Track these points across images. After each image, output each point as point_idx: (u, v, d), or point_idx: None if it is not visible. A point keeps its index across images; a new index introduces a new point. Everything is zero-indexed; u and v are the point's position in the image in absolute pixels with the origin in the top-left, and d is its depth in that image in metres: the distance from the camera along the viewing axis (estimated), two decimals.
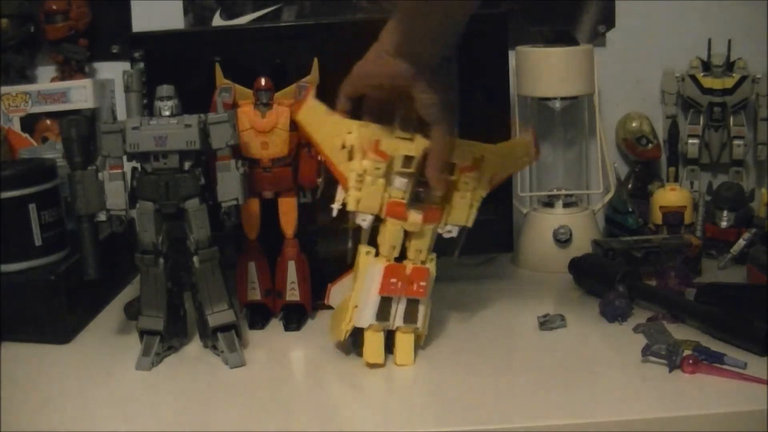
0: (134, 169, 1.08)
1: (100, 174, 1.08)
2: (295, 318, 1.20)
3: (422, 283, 1.06)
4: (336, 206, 1.07)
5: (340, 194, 1.07)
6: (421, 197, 1.08)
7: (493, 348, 1.11)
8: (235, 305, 1.12)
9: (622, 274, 1.22)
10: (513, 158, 1.13)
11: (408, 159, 1.05)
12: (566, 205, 1.43)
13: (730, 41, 1.51)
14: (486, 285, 1.34)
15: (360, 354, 1.06)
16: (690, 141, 1.53)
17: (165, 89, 1.08)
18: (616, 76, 1.54)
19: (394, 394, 0.99)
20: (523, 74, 1.40)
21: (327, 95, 1.21)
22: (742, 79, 1.49)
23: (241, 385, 1.04)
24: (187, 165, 1.06)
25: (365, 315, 1.06)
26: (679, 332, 1.09)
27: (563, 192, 1.45)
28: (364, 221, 1.07)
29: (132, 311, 1.21)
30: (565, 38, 1.47)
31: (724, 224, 1.40)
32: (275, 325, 1.21)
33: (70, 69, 1.50)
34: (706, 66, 1.52)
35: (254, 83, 1.16)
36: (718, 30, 1.52)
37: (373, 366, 1.04)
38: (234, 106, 1.15)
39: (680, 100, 1.55)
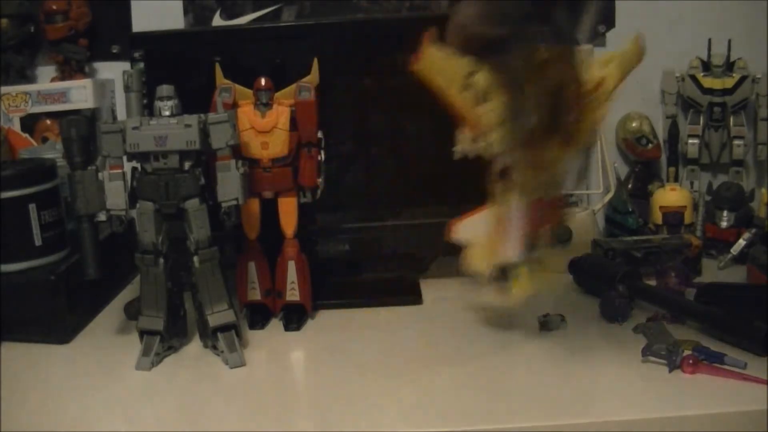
0: (134, 169, 1.08)
1: (100, 174, 1.08)
2: (295, 318, 1.20)
3: (557, 212, 1.05)
4: (461, 148, 1.05)
5: (465, 137, 1.05)
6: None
7: (493, 348, 1.11)
8: (235, 305, 1.12)
9: (622, 274, 1.22)
10: (626, 65, 1.09)
11: None
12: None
13: (730, 41, 1.51)
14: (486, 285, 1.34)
15: (500, 289, 1.05)
16: (690, 141, 1.53)
17: (165, 89, 1.08)
18: None
19: (394, 394, 0.99)
20: None
21: (327, 95, 1.21)
22: (742, 79, 1.49)
23: (241, 385, 1.04)
24: (187, 165, 1.06)
25: (514, 249, 1.03)
26: (679, 332, 1.09)
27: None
28: (507, 160, 1.02)
29: (132, 311, 1.21)
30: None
31: (724, 224, 1.40)
32: (275, 325, 1.21)
33: (70, 69, 1.50)
34: (706, 66, 1.52)
35: (254, 83, 1.16)
36: (718, 30, 1.52)
37: (519, 299, 1.05)
38: (234, 106, 1.15)
39: (680, 100, 1.55)
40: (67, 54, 1.49)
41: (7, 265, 1.18)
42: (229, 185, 1.07)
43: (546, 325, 1.15)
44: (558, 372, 1.03)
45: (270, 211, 1.19)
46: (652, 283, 1.24)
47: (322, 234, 1.30)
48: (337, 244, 1.30)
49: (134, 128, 1.05)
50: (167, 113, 1.07)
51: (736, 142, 1.51)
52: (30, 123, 1.44)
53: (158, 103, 1.08)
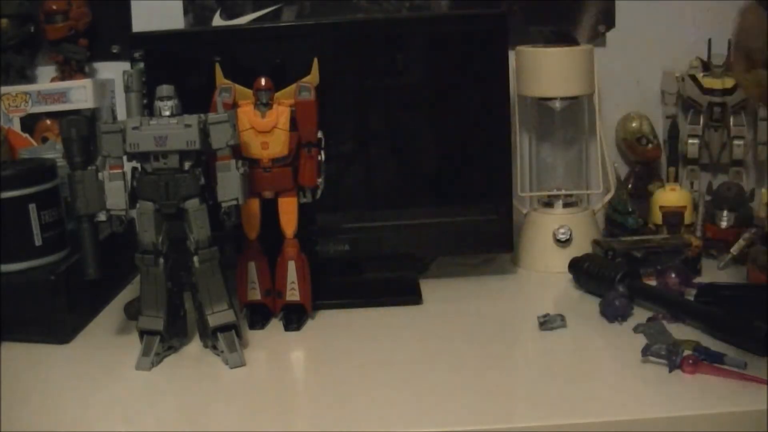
0: (134, 169, 1.08)
1: (100, 174, 1.08)
2: (295, 318, 1.20)
3: None
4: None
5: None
6: None
7: (493, 348, 1.11)
8: (235, 305, 1.12)
9: (622, 274, 1.22)
10: None
11: None
12: (566, 205, 1.43)
13: (730, 41, 1.51)
14: (486, 285, 1.34)
15: None
16: (690, 141, 1.53)
17: (165, 89, 1.08)
18: (616, 76, 1.54)
19: (394, 394, 0.99)
20: (523, 74, 1.40)
21: (327, 95, 1.21)
22: None
23: (241, 385, 1.04)
24: (187, 165, 1.06)
25: None
26: (679, 332, 1.09)
27: (563, 192, 1.45)
28: None
29: (132, 311, 1.21)
30: (565, 38, 1.47)
31: (724, 224, 1.40)
32: (275, 325, 1.21)
33: (70, 69, 1.50)
34: (706, 66, 1.52)
35: (254, 83, 1.16)
36: (718, 30, 1.52)
37: None
38: (234, 106, 1.15)
39: (680, 100, 1.55)
40: (67, 54, 1.49)
41: (7, 265, 1.18)
42: (229, 185, 1.07)
43: (546, 325, 1.15)
44: (558, 372, 1.03)
45: (270, 211, 1.19)
46: (652, 283, 1.24)
47: (322, 234, 1.30)
48: (337, 244, 1.30)
49: (134, 128, 1.05)
50: (167, 113, 1.07)
51: (736, 142, 1.51)
52: (30, 123, 1.44)
53: (158, 103, 1.08)
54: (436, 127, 1.36)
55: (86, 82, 1.43)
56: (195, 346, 1.14)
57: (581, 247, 1.36)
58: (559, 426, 0.91)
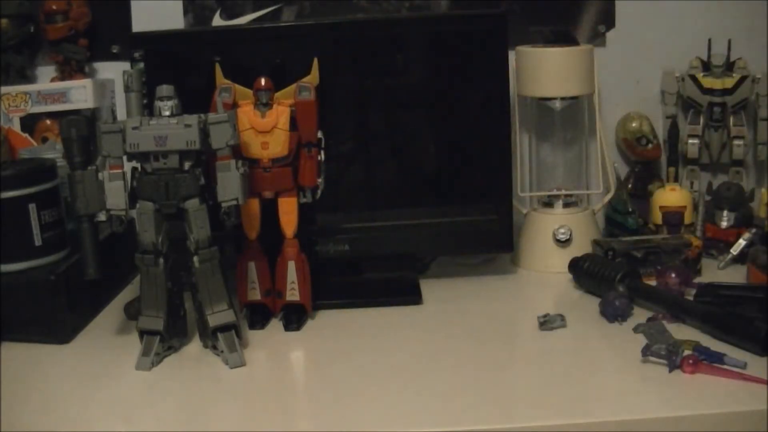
0: (134, 169, 1.08)
1: (100, 174, 1.08)
2: (295, 318, 1.20)
3: None
4: None
5: None
6: None
7: (493, 348, 1.11)
8: (235, 305, 1.12)
9: (622, 274, 1.22)
10: None
11: None
12: (566, 205, 1.43)
13: (730, 41, 1.51)
14: (486, 285, 1.34)
15: None
16: (690, 141, 1.53)
17: (165, 89, 1.08)
18: (616, 76, 1.54)
19: (394, 394, 0.99)
20: (523, 74, 1.40)
21: (327, 95, 1.21)
22: (742, 79, 1.49)
23: (241, 385, 1.04)
24: (187, 165, 1.06)
25: None
26: (679, 332, 1.09)
27: (563, 192, 1.45)
28: None
29: (132, 311, 1.21)
30: (565, 38, 1.47)
31: (724, 224, 1.40)
32: (275, 325, 1.21)
33: (70, 69, 1.50)
34: (706, 66, 1.52)
35: (254, 83, 1.16)
36: (718, 30, 1.52)
37: None
38: (234, 106, 1.15)
39: (680, 100, 1.55)
40: (67, 54, 1.49)
41: (7, 265, 1.18)
42: (229, 185, 1.07)
43: (546, 324, 1.15)
44: (558, 372, 1.03)
45: (270, 211, 1.19)
46: (652, 283, 1.24)
47: (322, 234, 1.30)
48: (337, 244, 1.30)
49: (134, 128, 1.05)
50: (167, 113, 1.07)
51: (736, 142, 1.51)
52: (30, 123, 1.44)
53: (158, 103, 1.08)
54: (436, 127, 1.36)
55: (86, 82, 1.43)
56: (195, 346, 1.14)
57: (581, 247, 1.36)
58: (559, 426, 0.91)
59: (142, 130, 1.05)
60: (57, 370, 1.10)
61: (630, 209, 1.45)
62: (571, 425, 0.91)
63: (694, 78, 1.51)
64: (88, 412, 0.98)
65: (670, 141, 1.54)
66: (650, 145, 1.55)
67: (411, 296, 1.28)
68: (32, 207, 1.18)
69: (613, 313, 1.16)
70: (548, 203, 1.44)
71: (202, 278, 1.09)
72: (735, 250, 1.35)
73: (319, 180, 1.19)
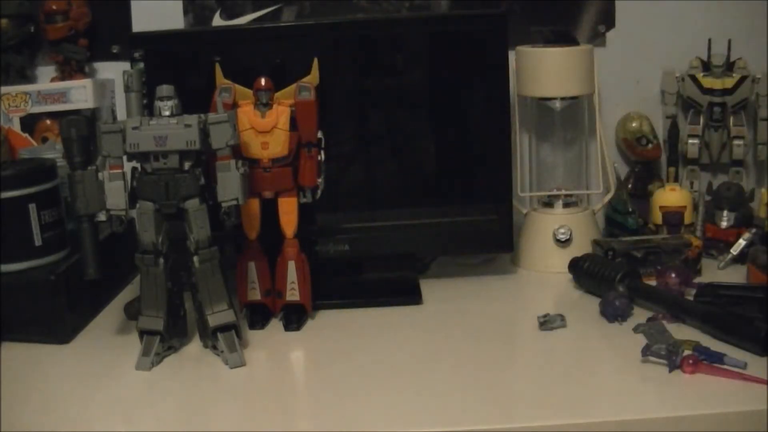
0: (134, 169, 1.08)
1: (100, 174, 1.08)
2: (295, 318, 1.20)
3: None
4: None
5: None
6: None
7: (493, 348, 1.11)
8: (235, 305, 1.12)
9: (622, 274, 1.22)
10: None
11: None
12: (566, 205, 1.43)
13: (730, 41, 1.51)
14: (486, 285, 1.34)
15: None
16: (690, 141, 1.53)
17: (165, 89, 1.08)
18: (616, 76, 1.54)
19: (394, 394, 0.99)
20: (523, 74, 1.40)
21: (327, 95, 1.21)
22: (742, 79, 1.49)
23: (241, 385, 1.04)
24: (187, 165, 1.06)
25: None
26: (679, 332, 1.09)
27: (563, 192, 1.45)
28: None
29: (132, 311, 1.21)
30: (565, 38, 1.47)
31: (724, 224, 1.40)
32: (275, 325, 1.21)
33: (70, 69, 1.50)
34: (706, 66, 1.52)
35: (254, 83, 1.16)
36: (718, 30, 1.52)
37: None
38: (234, 106, 1.15)
39: (680, 100, 1.55)
40: (67, 54, 1.49)
41: (7, 265, 1.18)
42: (229, 185, 1.07)
43: (546, 325, 1.15)
44: (558, 372, 1.03)
45: (270, 211, 1.19)
46: (652, 283, 1.24)
47: (322, 234, 1.30)
48: (337, 244, 1.30)
49: (134, 128, 1.05)
50: (167, 113, 1.07)
51: (736, 142, 1.51)
52: (30, 123, 1.44)
53: (158, 103, 1.08)
54: (436, 127, 1.36)
55: (86, 82, 1.43)
56: (195, 346, 1.14)
57: (581, 247, 1.36)
58: (559, 426, 0.91)
59: (142, 130, 1.05)
60: (57, 370, 1.10)
61: (630, 209, 1.45)
62: (571, 425, 0.91)
63: (694, 78, 1.51)
64: (88, 412, 0.98)
65: (670, 141, 1.54)
66: (650, 145, 1.55)
67: (411, 296, 1.28)
68: (32, 207, 1.18)
69: (613, 313, 1.16)
70: (548, 203, 1.44)
71: (202, 278, 1.09)
72: (735, 250, 1.35)
73: (319, 180, 1.19)
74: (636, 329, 1.11)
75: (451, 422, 0.92)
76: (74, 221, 1.12)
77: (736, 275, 1.31)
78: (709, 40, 1.52)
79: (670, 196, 1.42)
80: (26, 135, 1.44)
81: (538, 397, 0.97)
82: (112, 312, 1.27)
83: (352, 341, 1.14)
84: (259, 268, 1.20)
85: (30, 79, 1.52)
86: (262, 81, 1.15)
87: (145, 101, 1.22)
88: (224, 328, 1.09)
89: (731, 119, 1.51)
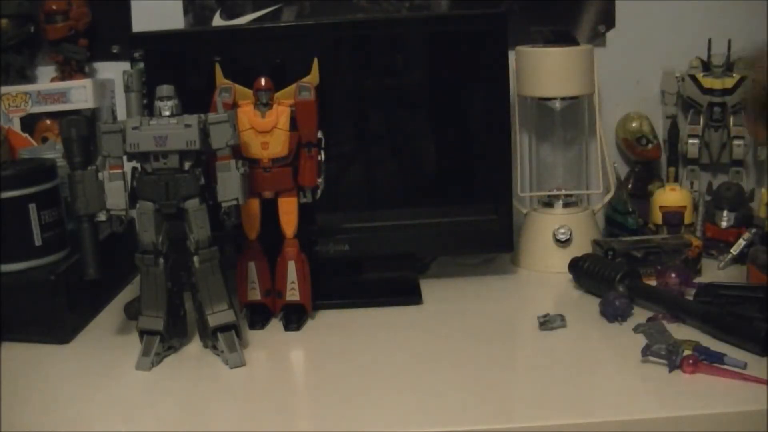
0: (134, 169, 1.08)
1: (100, 174, 1.08)
2: (295, 318, 1.20)
3: None
4: None
5: None
6: None
7: (493, 348, 1.11)
8: (235, 305, 1.12)
9: (622, 274, 1.22)
10: None
11: None
12: (566, 205, 1.43)
13: (730, 41, 1.51)
14: (486, 285, 1.34)
15: None
16: (690, 141, 1.53)
17: (165, 89, 1.08)
18: (616, 76, 1.54)
19: (394, 394, 0.99)
20: (523, 74, 1.40)
21: (327, 95, 1.21)
22: (742, 79, 1.49)
23: (241, 385, 1.04)
24: (187, 165, 1.06)
25: None
26: (679, 332, 1.09)
27: (563, 192, 1.45)
28: None
29: (132, 311, 1.21)
30: (565, 38, 1.47)
31: (724, 224, 1.40)
32: (275, 325, 1.21)
33: (70, 69, 1.50)
34: (706, 66, 1.52)
35: (254, 83, 1.16)
36: (718, 30, 1.52)
37: None
38: (234, 106, 1.15)
39: (680, 100, 1.55)
40: (67, 54, 1.49)
41: (7, 265, 1.18)
42: (229, 185, 1.07)
43: (546, 325, 1.15)
44: (558, 372, 1.03)
45: (270, 211, 1.19)
46: (652, 283, 1.24)
47: (322, 234, 1.30)
48: (337, 244, 1.30)
49: (134, 128, 1.05)
50: (167, 113, 1.07)
51: (736, 142, 1.51)
52: (30, 123, 1.44)
53: (158, 103, 1.08)
54: (436, 127, 1.36)
55: (86, 82, 1.43)
56: (195, 346, 1.14)
57: (581, 247, 1.36)
58: (559, 426, 0.91)
59: (142, 130, 1.05)
60: (57, 370, 1.10)
61: (630, 209, 1.45)
62: (571, 425, 0.91)
63: (694, 78, 1.51)
64: (88, 412, 0.98)
65: (670, 141, 1.54)
66: (650, 145, 1.55)
67: (411, 296, 1.28)
68: (32, 207, 1.18)
69: (613, 313, 1.16)
70: (548, 203, 1.44)
71: (202, 278, 1.09)
72: (735, 250, 1.35)
73: (319, 180, 1.19)
74: (636, 329, 1.11)
75: (451, 422, 0.92)
76: (74, 221, 1.12)
77: (736, 275, 1.31)
78: (709, 40, 1.52)
79: (670, 196, 1.42)
80: (26, 135, 1.44)
81: (538, 397, 0.97)
82: (112, 312, 1.27)
83: (352, 341, 1.14)
84: (259, 268, 1.20)
85: (30, 79, 1.52)
86: (262, 81, 1.15)
87: (145, 101, 1.22)
88: (224, 328, 1.09)
89: (731, 119, 1.51)
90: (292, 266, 1.20)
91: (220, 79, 1.19)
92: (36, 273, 1.18)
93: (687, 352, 1.01)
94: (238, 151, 1.10)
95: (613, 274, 1.22)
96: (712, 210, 1.43)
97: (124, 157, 1.07)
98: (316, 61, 1.19)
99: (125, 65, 1.31)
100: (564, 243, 1.38)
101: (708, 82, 1.50)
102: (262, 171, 1.16)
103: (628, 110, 1.57)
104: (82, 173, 1.08)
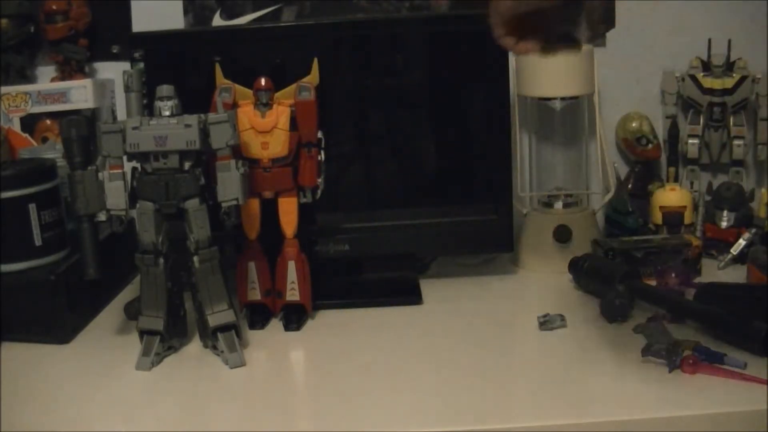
0: (134, 169, 1.08)
1: (100, 174, 1.08)
2: (295, 318, 1.20)
3: None
4: None
5: None
6: None
7: (493, 348, 1.11)
8: (235, 305, 1.12)
9: (622, 274, 1.22)
10: None
11: None
12: (566, 205, 1.43)
13: (730, 41, 1.51)
14: (486, 285, 1.34)
15: None
16: (690, 141, 1.53)
17: (165, 89, 1.08)
18: (616, 76, 1.54)
19: (394, 394, 0.99)
20: (523, 74, 1.40)
21: (327, 95, 1.21)
22: (742, 79, 1.49)
23: (241, 385, 1.04)
24: (187, 165, 1.06)
25: None
26: (679, 332, 1.09)
27: (563, 192, 1.45)
28: None
29: (132, 311, 1.21)
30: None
31: (724, 224, 1.40)
32: (275, 325, 1.21)
33: (70, 69, 1.50)
34: (706, 66, 1.52)
35: (254, 83, 1.16)
36: (718, 30, 1.52)
37: None
38: (234, 106, 1.15)
39: (680, 100, 1.55)
40: (67, 54, 1.49)
41: (7, 265, 1.18)
42: (229, 185, 1.07)
43: (546, 325, 1.15)
44: (558, 372, 1.03)
45: (270, 211, 1.19)
46: (652, 283, 1.24)
47: (322, 234, 1.30)
48: (337, 244, 1.30)
49: (134, 128, 1.05)
50: (167, 113, 1.07)
51: (736, 142, 1.51)
52: (30, 123, 1.44)
53: (158, 103, 1.08)
54: (436, 127, 1.36)
55: (86, 82, 1.43)
56: (195, 346, 1.14)
57: (581, 247, 1.36)
58: (559, 426, 0.91)
59: (142, 130, 1.05)
60: (57, 370, 1.10)
61: (630, 209, 1.45)
62: (571, 425, 0.91)
63: (694, 78, 1.51)
64: (88, 412, 0.98)
65: (670, 141, 1.54)
66: (650, 145, 1.55)
67: (411, 296, 1.28)
68: (32, 207, 1.18)
69: (613, 313, 1.16)
70: (548, 203, 1.44)
71: (202, 278, 1.09)
72: (735, 250, 1.35)
73: (319, 180, 1.19)
74: (636, 329, 1.11)
75: (451, 422, 0.92)
76: (74, 221, 1.12)
77: (736, 275, 1.31)
78: (709, 40, 1.52)
79: (670, 196, 1.42)
80: (26, 135, 1.44)
81: (538, 397, 0.97)
82: (112, 312, 1.27)
83: (352, 341, 1.14)
84: (259, 268, 1.20)
85: (30, 79, 1.52)
86: (262, 81, 1.15)
87: (145, 101, 1.22)
88: (224, 328, 1.09)
89: (731, 119, 1.51)
90: (292, 266, 1.20)
91: (220, 79, 1.19)
92: (36, 273, 1.18)
93: (687, 352, 1.01)
94: (238, 151, 1.10)
95: (613, 274, 1.22)
96: (712, 210, 1.43)
97: (124, 157, 1.07)
98: (316, 61, 1.19)
99: (125, 65, 1.31)
100: (564, 243, 1.37)
101: (708, 82, 1.50)
102: (262, 171, 1.16)
103: (628, 110, 1.57)
104: (82, 173, 1.08)
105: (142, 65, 1.25)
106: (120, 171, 1.07)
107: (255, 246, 1.20)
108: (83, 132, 1.10)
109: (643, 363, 1.02)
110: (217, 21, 1.53)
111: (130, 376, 1.07)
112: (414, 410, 0.95)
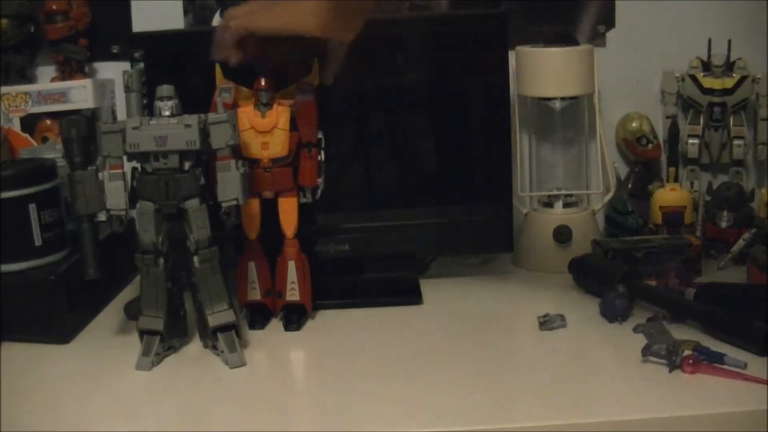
0: (134, 169, 1.08)
1: (100, 174, 1.08)
2: (295, 318, 1.20)
3: None
4: None
5: None
6: None
7: (493, 348, 1.11)
8: (235, 305, 1.12)
9: (622, 274, 1.22)
10: None
11: None
12: (566, 205, 1.43)
13: (730, 41, 1.51)
14: (486, 285, 1.34)
15: None
16: (690, 141, 1.53)
17: (165, 89, 1.08)
18: (616, 76, 1.54)
19: (394, 394, 0.99)
20: (523, 74, 1.40)
21: (327, 95, 1.21)
22: (742, 79, 1.49)
23: (241, 385, 1.04)
24: (187, 165, 1.06)
25: None
26: (679, 332, 1.09)
27: (563, 192, 1.45)
28: None
29: (132, 311, 1.21)
30: (565, 38, 1.47)
31: (724, 224, 1.40)
32: (275, 325, 1.21)
33: (70, 69, 1.50)
34: (706, 66, 1.52)
35: (254, 83, 1.16)
36: (718, 30, 1.52)
37: None
38: (234, 106, 1.15)
39: (680, 100, 1.55)
40: (67, 54, 1.49)
41: (7, 265, 1.18)
42: (229, 185, 1.07)
43: (546, 325, 1.15)
44: (558, 372, 1.03)
45: (270, 211, 1.19)
46: (652, 283, 1.24)
47: (322, 234, 1.30)
48: (337, 244, 1.30)
49: (134, 128, 1.05)
50: (167, 113, 1.07)
51: (736, 142, 1.51)
52: (30, 123, 1.44)
53: (158, 103, 1.08)
54: (436, 127, 1.36)
55: (86, 82, 1.43)
56: (195, 346, 1.14)
57: (581, 247, 1.36)
58: (559, 426, 0.91)
59: (142, 130, 1.05)
60: (57, 370, 1.10)
61: (630, 209, 1.45)
62: (571, 425, 0.91)
63: (694, 78, 1.51)
64: (88, 412, 0.98)
65: (670, 141, 1.54)
66: (650, 145, 1.55)
67: (411, 296, 1.28)
68: (32, 207, 1.18)
69: (613, 313, 1.16)
70: (548, 203, 1.44)
71: (202, 278, 1.09)
72: (735, 250, 1.35)
73: (319, 180, 1.19)
74: (636, 329, 1.11)
75: (451, 422, 0.92)
76: (74, 221, 1.12)
77: (736, 275, 1.31)
78: (709, 40, 1.52)
79: (670, 196, 1.42)
80: (26, 135, 1.44)
81: (538, 397, 0.97)
82: (112, 312, 1.27)
83: (352, 341, 1.14)
84: (259, 268, 1.20)
85: (30, 79, 1.52)
86: (262, 81, 1.15)
87: (145, 101, 1.22)
88: (224, 328, 1.09)
89: (731, 119, 1.51)
90: (292, 266, 1.20)
91: (220, 79, 1.19)
92: (36, 273, 1.18)
93: (687, 352, 1.01)
94: (238, 151, 1.10)
95: (613, 274, 1.22)
96: (712, 210, 1.43)
97: (124, 157, 1.07)
98: (316, 61, 1.19)
99: (125, 65, 1.31)
100: (564, 243, 1.37)
101: (708, 82, 1.50)
102: (262, 171, 1.16)
103: (628, 110, 1.57)
104: (82, 173, 1.08)
105: (142, 65, 1.25)
106: (120, 171, 1.07)
107: (255, 246, 1.20)
108: (83, 132, 1.10)
109: (643, 363, 1.02)
110: (217, 21, 1.53)
111: (130, 376, 1.07)
112: (414, 410, 0.95)
